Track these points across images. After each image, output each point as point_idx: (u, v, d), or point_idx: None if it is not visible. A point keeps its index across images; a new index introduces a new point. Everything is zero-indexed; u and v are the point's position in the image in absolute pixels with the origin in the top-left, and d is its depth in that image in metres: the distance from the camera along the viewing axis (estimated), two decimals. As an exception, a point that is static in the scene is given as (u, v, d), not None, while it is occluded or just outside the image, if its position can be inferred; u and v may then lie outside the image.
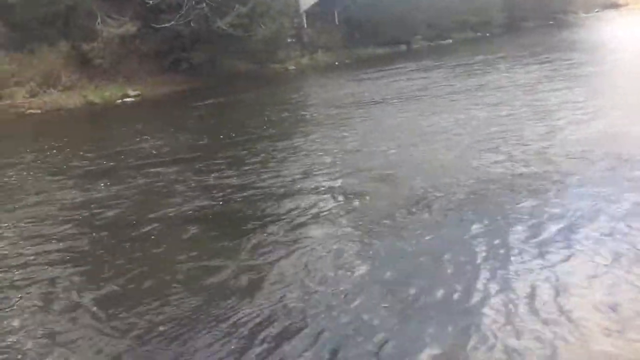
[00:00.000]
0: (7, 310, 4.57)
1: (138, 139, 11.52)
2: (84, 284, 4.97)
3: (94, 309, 4.45)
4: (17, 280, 5.12)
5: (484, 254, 4.68)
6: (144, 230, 6.08)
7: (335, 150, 8.86)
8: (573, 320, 3.67)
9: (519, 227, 5.11)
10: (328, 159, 8.34)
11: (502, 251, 4.69)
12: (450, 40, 32.76)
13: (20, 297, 4.76)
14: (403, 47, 30.99)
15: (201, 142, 11.03)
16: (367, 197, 6.45)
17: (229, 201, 6.78)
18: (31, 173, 9.43)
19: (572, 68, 15.61)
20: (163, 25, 20.45)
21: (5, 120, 16.85)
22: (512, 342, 3.52)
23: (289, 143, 9.98)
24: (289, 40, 26.04)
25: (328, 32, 29.06)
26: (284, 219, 5.94)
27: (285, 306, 4.16)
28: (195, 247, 5.45)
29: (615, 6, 48.51)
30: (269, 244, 5.31)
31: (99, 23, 20.12)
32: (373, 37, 29.73)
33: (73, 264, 5.38)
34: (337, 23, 29.71)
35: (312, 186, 7.07)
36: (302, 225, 5.72)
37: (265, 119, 12.95)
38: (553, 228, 5.03)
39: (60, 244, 5.92)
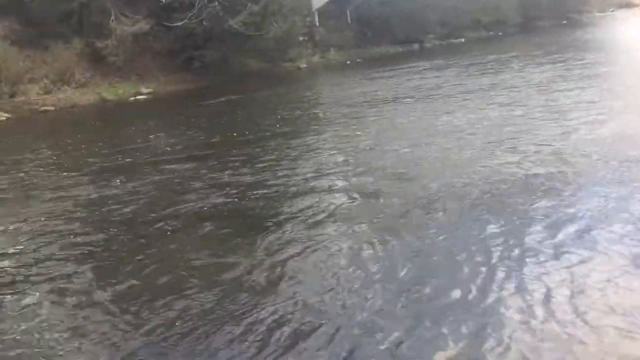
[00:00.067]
0: (22, 306, 4.60)
1: (152, 136, 11.63)
2: (100, 280, 4.99)
3: (110, 305, 4.47)
4: (33, 275, 5.16)
5: (499, 254, 4.65)
6: (159, 226, 6.13)
7: (348, 149, 8.88)
8: (589, 322, 3.63)
9: (534, 228, 5.08)
10: (341, 158, 8.35)
11: (517, 251, 4.67)
12: (463, 39, 32.62)
13: (36, 293, 4.79)
14: (415, 46, 30.91)
15: (214, 140, 11.08)
16: (381, 196, 6.45)
17: (243, 198, 6.81)
18: (46, 169, 9.53)
19: (586, 68, 15.49)
20: (175, 24, 20.55)
21: (20, 116, 17.03)
22: (528, 343, 3.49)
23: (302, 141, 10.01)
24: (301, 38, 26.09)
25: (340, 30, 29.07)
26: (299, 217, 5.96)
27: (301, 304, 4.17)
28: (211, 244, 5.49)
29: (630, 6, 47.98)
30: (284, 242, 5.33)
31: (112, 21, 20.28)
32: (385, 35, 29.70)
33: (89, 260, 5.42)
34: (349, 22, 29.71)
35: (326, 185, 7.08)
36: (317, 223, 5.73)
37: (278, 117, 12.99)
38: (568, 229, 4.99)
39: (76, 240, 5.97)
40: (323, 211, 6.07)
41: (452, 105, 11.88)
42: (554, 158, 7.15)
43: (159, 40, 22.03)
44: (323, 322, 3.90)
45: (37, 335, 4.13)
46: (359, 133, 10.09)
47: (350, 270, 4.66)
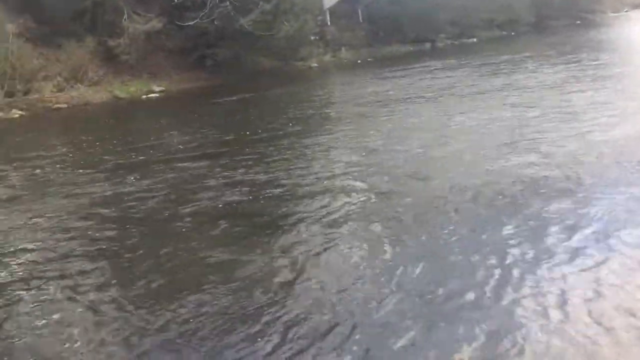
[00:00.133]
0: (39, 301, 4.64)
1: (165, 134, 11.69)
2: (116, 277, 5.04)
3: (125, 302, 4.50)
4: (49, 271, 5.22)
5: (514, 255, 4.65)
6: (175, 224, 6.18)
7: (361, 148, 8.88)
8: (604, 324, 3.63)
9: (549, 229, 5.07)
10: (354, 158, 8.36)
11: (532, 253, 4.65)
12: (475, 39, 32.45)
13: (52, 291, 4.84)
14: (427, 45, 30.78)
15: (228, 138, 11.12)
16: (395, 196, 6.45)
17: (257, 197, 6.84)
18: (62, 166, 9.61)
19: (600, 68, 15.39)
20: (187, 24, 20.64)
21: (34, 114, 17.17)
22: (543, 345, 3.50)
23: (314, 140, 10.04)
24: (312, 37, 26.07)
25: (351, 29, 29.03)
26: (313, 216, 5.98)
27: (317, 303, 4.18)
28: (226, 242, 5.52)
29: (645, 6, 47.54)
30: (298, 241, 5.35)
31: (125, 19, 20.37)
32: (397, 35, 29.62)
33: (105, 257, 5.47)
34: (360, 21, 29.65)
35: (339, 184, 7.10)
36: (331, 223, 5.74)
37: (291, 115, 13.02)
38: (584, 231, 4.98)
39: (92, 236, 6.02)
40: (337, 211, 6.08)
41: (465, 106, 11.85)
42: (567, 159, 7.12)
43: (171, 39, 22.12)
44: (339, 321, 3.91)
45: (53, 331, 4.17)
46: (371, 132, 10.09)
47: (365, 270, 4.68)
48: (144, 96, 19.98)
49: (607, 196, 5.80)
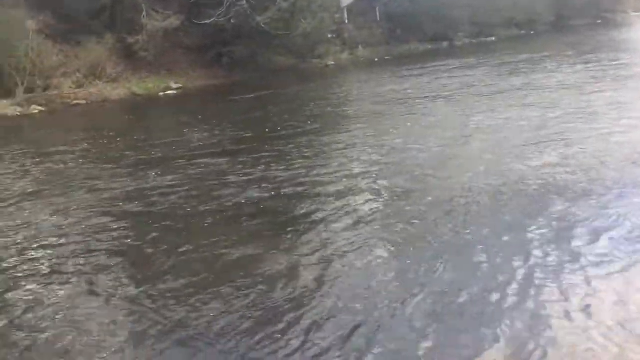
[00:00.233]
0: (59, 296, 4.67)
1: (185, 130, 11.75)
2: (137, 273, 5.07)
3: (146, 299, 4.50)
4: (71, 267, 5.27)
5: (536, 259, 4.61)
6: (197, 220, 6.22)
7: (380, 147, 8.87)
8: (629, 329, 3.59)
9: (574, 231, 5.03)
10: (374, 156, 8.36)
11: (554, 257, 4.61)
12: (494, 38, 32.28)
13: (72, 286, 4.86)
14: (445, 44, 30.67)
15: (247, 135, 11.15)
16: (416, 196, 6.42)
17: (279, 195, 6.86)
18: (83, 161, 9.70)
19: (620, 69, 15.24)
20: (205, 22, 20.75)
21: (53, 110, 17.35)
22: (567, 349, 3.47)
23: (333, 138, 10.06)
24: (329, 35, 26.07)
25: (369, 28, 29.00)
26: (334, 214, 5.98)
27: (341, 304, 4.17)
28: (249, 240, 5.52)
29: (667, 5, 46.94)
30: (321, 241, 5.35)
31: (144, 16, 20.49)
32: (415, 33, 29.54)
33: (126, 253, 5.51)
34: (378, 19, 29.59)
35: (360, 183, 7.10)
36: (353, 222, 5.74)
37: (309, 113, 13.05)
38: (607, 234, 4.93)
39: (115, 232, 6.05)
40: (359, 210, 6.08)
41: (484, 105, 11.79)
42: (589, 160, 7.07)
43: (189, 36, 22.24)
44: (363, 322, 3.90)
45: (73, 325, 4.19)
46: (390, 130, 10.08)
47: (389, 270, 4.66)
48: (162, 93, 20.11)
49: (630, 198, 5.75)
